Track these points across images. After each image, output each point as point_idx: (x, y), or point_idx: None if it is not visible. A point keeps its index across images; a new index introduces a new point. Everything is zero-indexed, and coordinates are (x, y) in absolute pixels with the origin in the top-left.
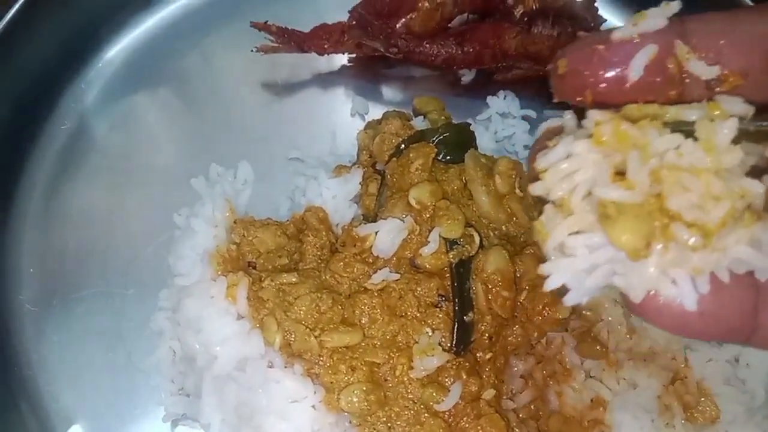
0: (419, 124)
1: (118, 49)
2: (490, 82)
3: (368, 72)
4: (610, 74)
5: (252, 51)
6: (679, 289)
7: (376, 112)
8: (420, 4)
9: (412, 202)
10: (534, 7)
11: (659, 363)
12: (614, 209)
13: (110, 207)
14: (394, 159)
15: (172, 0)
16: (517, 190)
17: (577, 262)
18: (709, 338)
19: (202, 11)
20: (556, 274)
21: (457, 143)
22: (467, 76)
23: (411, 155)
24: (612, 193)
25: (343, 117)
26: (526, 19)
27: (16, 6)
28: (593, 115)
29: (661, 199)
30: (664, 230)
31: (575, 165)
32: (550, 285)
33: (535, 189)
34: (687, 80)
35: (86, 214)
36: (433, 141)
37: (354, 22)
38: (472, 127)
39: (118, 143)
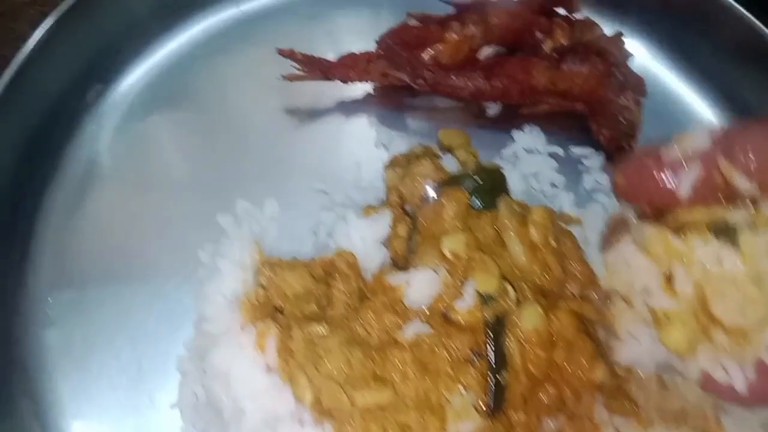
0: (448, 163)
1: (139, 73)
2: (516, 115)
3: (392, 101)
4: (661, 191)
5: (278, 79)
6: (728, 375)
7: (400, 142)
8: (447, 36)
9: (447, 253)
10: (562, 43)
11: (691, 423)
12: (663, 315)
13: (130, 237)
14: (426, 204)
15: (192, 25)
16: (552, 242)
17: (642, 346)
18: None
19: (223, 37)
20: (625, 353)
21: (490, 188)
22: (492, 109)
23: (444, 201)
24: (661, 302)
25: (367, 147)
26: (555, 55)
27: (38, 31)
28: (645, 230)
29: (705, 304)
30: (707, 332)
31: (632, 273)
32: (621, 360)
33: (603, 282)
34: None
35: (105, 244)
36: (466, 186)
37: (381, 52)
38: (499, 163)
39: (138, 171)
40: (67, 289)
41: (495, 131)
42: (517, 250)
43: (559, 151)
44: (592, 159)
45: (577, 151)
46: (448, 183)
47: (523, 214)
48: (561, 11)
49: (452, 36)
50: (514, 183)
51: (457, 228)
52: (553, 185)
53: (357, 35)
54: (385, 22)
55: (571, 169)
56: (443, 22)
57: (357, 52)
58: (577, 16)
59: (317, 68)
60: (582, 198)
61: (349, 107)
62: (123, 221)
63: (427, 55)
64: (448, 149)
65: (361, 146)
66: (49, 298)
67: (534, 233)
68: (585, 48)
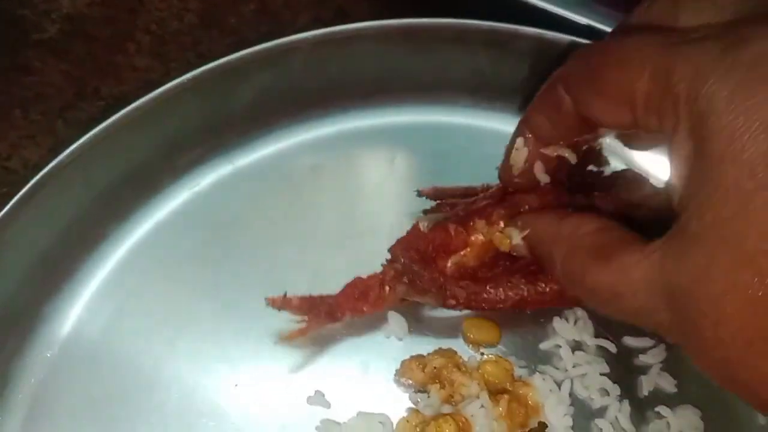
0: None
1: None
2: None
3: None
4: None
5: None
6: None
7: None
8: (473, 239)
9: None
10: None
11: None
12: None
13: None
14: None
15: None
16: None
17: None
18: None
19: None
20: None
21: None
22: None
23: None
24: None
25: (375, 338)
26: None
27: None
28: None
29: None
30: None
31: None
32: None
33: None
34: None
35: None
36: None
37: (395, 273)
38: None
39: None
40: None
41: (530, 316)
42: None
43: (610, 345)
44: (650, 355)
45: (632, 342)
46: None
47: None
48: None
49: (479, 238)
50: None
51: None
52: (604, 391)
53: (366, 188)
54: (398, 168)
55: (625, 370)
56: (464, 222)
57: (365, 277)
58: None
59: (321, 311)
60: (640, 408)
61: None
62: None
63: (450, 263)
64: (474, 344)
65: (368, 336)
66: None
67: None
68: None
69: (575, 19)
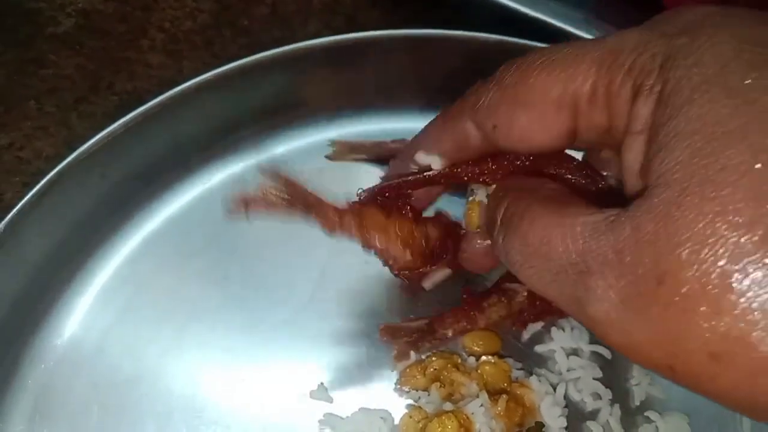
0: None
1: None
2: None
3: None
4: None
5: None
6: None
7: None
8: None
9: None
10: None
11: None
12: None
13: None
14: None
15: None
16: None
17: None
18: None
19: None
20: None
21: None
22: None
23: None
24: None
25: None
26: None
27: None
28: None
29: None
30: None
31: None
32: None
33: None
34: None
35: None
36: None
37: None
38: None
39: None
40: None
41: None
42: None
43: (605, 351)
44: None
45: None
46: None
47: None
48: None
49: None
50: (553, 393)
51: None
52: (597, 395)
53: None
54: None
55: (617, 376)
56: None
57: None
58: None
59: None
60: (630, 412)
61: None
62: None
63: None
64: (474, 355)
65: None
66: None
67: None
68: None
69: (583, 36)
